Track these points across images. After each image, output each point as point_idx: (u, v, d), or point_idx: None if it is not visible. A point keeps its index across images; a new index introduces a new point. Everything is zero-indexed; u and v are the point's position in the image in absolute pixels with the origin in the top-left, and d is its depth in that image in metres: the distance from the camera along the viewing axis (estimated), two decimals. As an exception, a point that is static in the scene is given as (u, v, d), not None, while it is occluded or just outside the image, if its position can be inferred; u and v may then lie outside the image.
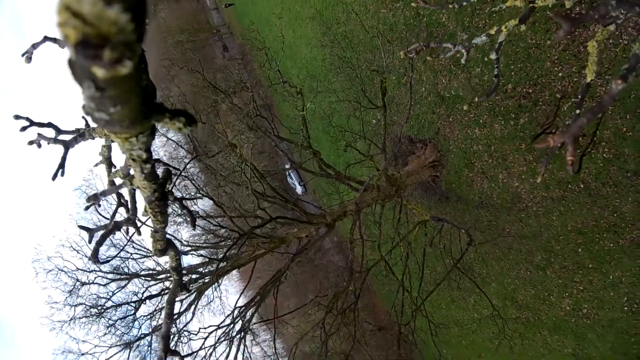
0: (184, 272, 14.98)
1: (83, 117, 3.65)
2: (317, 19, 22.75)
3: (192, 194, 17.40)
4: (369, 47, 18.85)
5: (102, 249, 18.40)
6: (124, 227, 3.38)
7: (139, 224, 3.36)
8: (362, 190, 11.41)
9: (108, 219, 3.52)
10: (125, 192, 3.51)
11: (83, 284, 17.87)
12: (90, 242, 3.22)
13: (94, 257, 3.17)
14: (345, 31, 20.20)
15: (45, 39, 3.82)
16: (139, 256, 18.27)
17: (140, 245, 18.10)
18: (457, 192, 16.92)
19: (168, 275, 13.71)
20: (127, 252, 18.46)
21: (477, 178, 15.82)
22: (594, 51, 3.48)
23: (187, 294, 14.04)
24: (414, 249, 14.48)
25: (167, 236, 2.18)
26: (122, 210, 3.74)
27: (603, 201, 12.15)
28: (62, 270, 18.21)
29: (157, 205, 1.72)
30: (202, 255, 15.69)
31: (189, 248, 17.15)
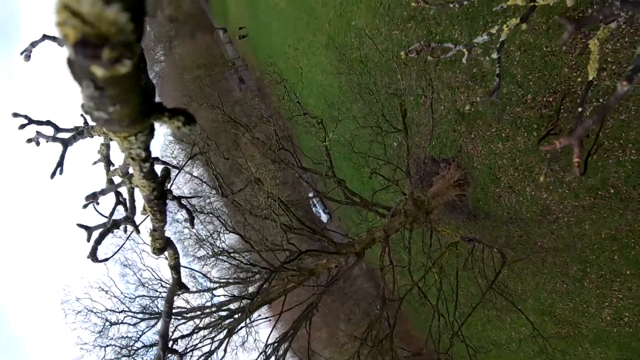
0: (214, 309, 14.96)
1: (82, 116, 3.69)
2: (331, 46, 23.02)
3: (219, 231, 17.46)
4: (384, 70, 18.92)
5: (131, 289, 18.48)
6: (123, 225, 3.36)
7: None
8: (389, 215, 11.26)
9: (106, 217, 3.49)
10: (124, 190, 3.50)
11: (112, 324, 17.91)
12: (88, 240, 3.23)
13: (93, 255, 3.15)
14: (360, 56, 20.36)
15: (45, 37, 3.88)
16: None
17: (168, 284, 18.16)
18: (485, 209, 16.62)
19: (199, 313, 13.64)
20: (156, 290, 18.54)
21: (504, 193, 15.53)
22: (596, 49, 3.44)
23: (219, 332, 13.96)
24: (446, 272, 14.19)
25: (166, 235, 2.17)
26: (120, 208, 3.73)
27: (635, 204, 11.77)
28: (91, 311, 18.32)
29: (156, 204, 1.73)
30: (231, 294, 15.58)
31: (217, 285, 17.09)
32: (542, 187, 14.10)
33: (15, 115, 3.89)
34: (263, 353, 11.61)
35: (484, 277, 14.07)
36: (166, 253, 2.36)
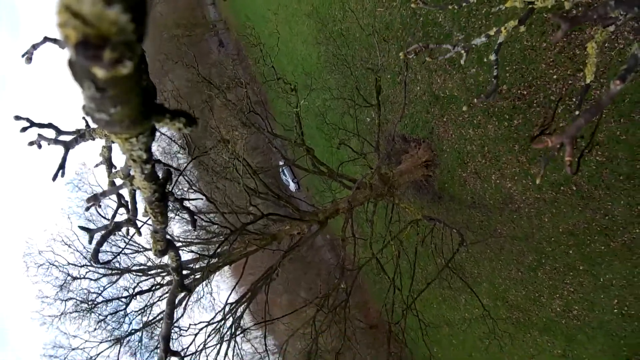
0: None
1: (83, 118, 3.64)
2: (314, 16, 22.69)
3: (185, 189, 17.30)
4: (364, 45, 18.82)
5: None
6: (125, 228, 3.37)
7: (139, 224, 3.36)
8: (354, 188, 11.40)
9: (108, 219, 3.51)
10: (125, 192, 3.49)
11: (74, 278, 17.79)
12: (90, 242, 3.23)
13: (94, 257, 3.17)
14: (341, 29, 20.17)
15: (46, 39, 3.78)
16: (130, 251, 18.21)
17: (132, 241, 18.04)
18: (450, 192, 16.96)
19: (159, 271, 13.66)
20: (119, 247, 18.40)
21: (470, 178, 15.86)
22: (593, 52, 3.47)
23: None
24: (405, 248, 14.50)
25: (167, 237, 2.18)
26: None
27: (595, 204, 12.21)
28: (54, 265, 18.13)
29: (158, 205, 1.72)
30: (193, 252, 15.62)
31: (180, 244, 17.06)
32: (507, 176, 14.45)
33: (17, 118, 3.87)
34: (221, 312, 11.73)
35: (442, 256, 14.44)
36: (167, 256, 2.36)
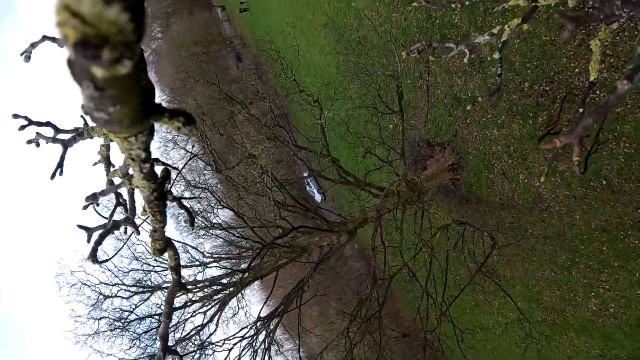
0: (206, 283, 15.10)
1: (82, 117, 3.66)
2: (330, 26, 22.83)
3: (213, 205, 17.44)
4: (382, 52, 18.82)
5: (125, 262, 18.55)
6: (123, 226, 3.38)
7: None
8: (382, 196, 11.34)
9: (107, 218, 3.52)
10: (124, 191, 3.50)
11: (106, 297, 17.99)
12: (88, 241, 3.22)
13: (93, 256, 3.17)
14: (359, 37, 20.22)
15: (44, 38, 3.81)
16: (161, 269, 18.41)
17: (162, 258, 18.22)
18: (478, 195, 16.73)
19: (192, 287, 13.77)
20: (149, 264, 18.63)
21: (497, 179, 15.63)
22: (597, 50, 3.45)
23: (209, 306, 14.10)
24: (436, 254, 14.33)
25: (166, 235, 2.18)
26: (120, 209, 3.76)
27: (626, 197, 11.90)
28: (85, 284, 18.38)
29: (156, 204, 1.72)
30: (224, 267, 15.71)
31: (211, 260, 17.19)
32: (535, 175, 14.21)
33: (16, 116, 3.87)
34: (254, 327, 11.75)
35: (474, 260, 14.23)
36: (166, 254, 2.38)
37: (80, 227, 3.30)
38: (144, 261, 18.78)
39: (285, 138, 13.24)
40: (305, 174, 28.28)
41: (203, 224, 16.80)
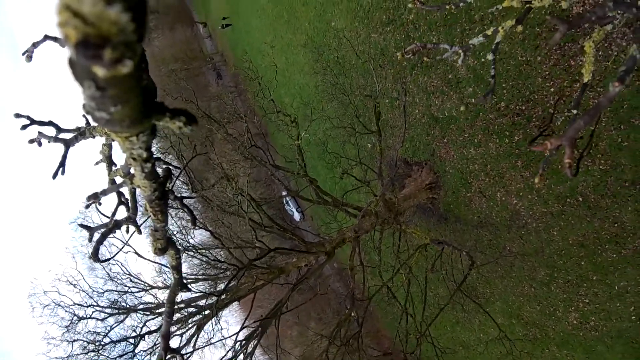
0: (182, 305, 14.81)
1: (83, 116, 3.69)
2: (309, 45, 23.01)
3: (189, 226, 17.21)
4: (361, 72, 19.00)
5: (100, 283, 18.15)
6: (125, 226, 3.35)
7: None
8: (360, 216, 11.32)
9: (108, 217, 3.50)
10: (125, 190, 3.51)
11: (80, 318, 17.58)
12: (90, 240, 3.21)
13: (94, 256, 3.14)
14: (337, 57, 20.41)
15: (46, 38, 3.86)
16: (136, 290, 18.03)
17: (137, 279, 17.87)
18: (456, 213, 16.85)
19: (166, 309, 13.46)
20: (125, 285, 18.26)
21: (475, 197, 15.77)
22: (591, 51, 3.46)
23: (186, 329, 13.82)
24: (415, 274, 14.32)
25: (167, 235, 2.16)
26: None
27: (603, 213, 12.11)
28: (59, 305, 17.95)
29: (158, 204, 1.71)
30: (200, 292, 15.48)
31: (187, 281, 16.89)
32: (512, 192, 14.37)
33: (18, 115, 3.90)
34: (232, 349, 11.53)
35: (453, 279, 14.26)
36: (167, 254, 2.35)
37: (82, 226, 3.32)
38: (119, 282, 18.43)
39: (263, 158, 13.19)
40: (283, 193, 28.19)
41: (181, 247, 16.53)
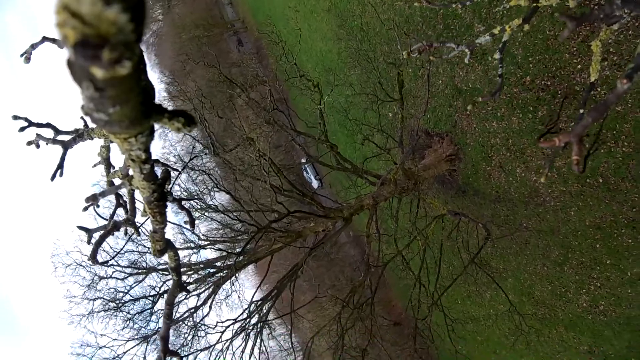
0: (201, 265, 15.15)
1: (82, 118, 3.67)
2: (333, 11, 22.63)
3: (209, 188, 17.40)
4: (385, 40, 18.69)
5: (120, 244, 18.56)
6: (123, 227, 3.38)
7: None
8: (379, 184, 11.34)
9: (106, 219, 3.53)
10: (124, 192, 3.52)
11: (101, 278, 18.01)
12: (89, 242, 3.27)
13: (93, 257, 3.18)
14: (361, 24, 20.06)
15: (44, 39, 3.83)
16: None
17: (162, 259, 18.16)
18: (475, 186, 16.75)
19: (186, 269, 13.81)
20: (144, 246, 18.64)
21: (494, 172, 15.64)
22: (598, 50, 3.44)
23: (205, 288, 14.15)
24: (430, 244, 14.38)
25: (166, 236, 2.18)
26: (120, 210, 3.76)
27: (622, 196, 11.93)
28: (81, 265, 18.37)
29: (157, 205, 1.73)
30: (219, 249, 15.74)
31: (206, 242, 17.21)
32: (532, 169, 14.22)
33: (16, 117, 3.88)
34: (247, 309, 11.82)
35: (467, 250, 14.29)
36: (166, 255, 2.37)
37: (81, 228, 3.35)
38: (139, 242, 18.81)
39: (284, 123, 13.20)
40: (303, 160, 28.20)
41: (199, 205, 16.76)
